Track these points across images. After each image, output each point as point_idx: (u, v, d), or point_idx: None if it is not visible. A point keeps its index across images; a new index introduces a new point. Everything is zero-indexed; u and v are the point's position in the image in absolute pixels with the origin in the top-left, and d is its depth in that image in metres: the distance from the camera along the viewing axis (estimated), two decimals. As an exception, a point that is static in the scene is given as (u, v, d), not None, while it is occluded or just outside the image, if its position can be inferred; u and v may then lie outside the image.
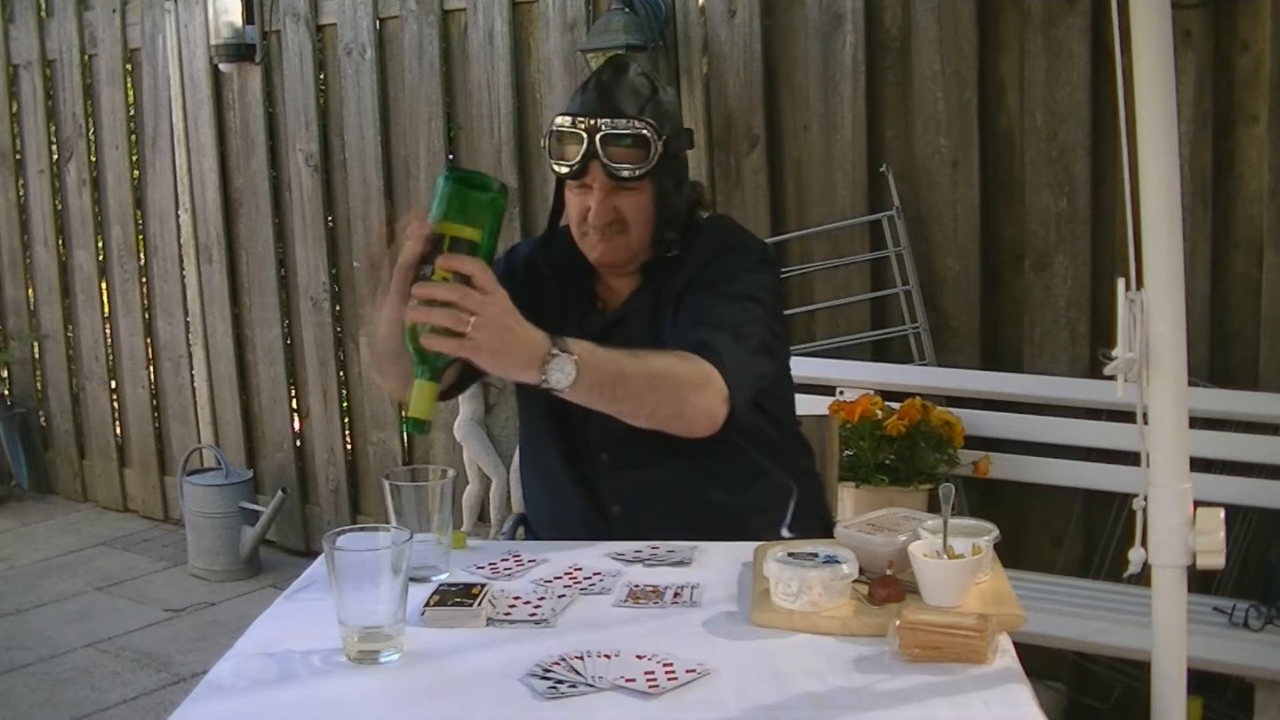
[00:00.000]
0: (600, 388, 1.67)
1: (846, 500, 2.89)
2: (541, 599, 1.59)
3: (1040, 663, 2.58)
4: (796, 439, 2.12)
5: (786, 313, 2.58)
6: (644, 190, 1.94)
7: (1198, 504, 1.62)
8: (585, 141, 1.90)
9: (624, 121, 1.91)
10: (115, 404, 5.21)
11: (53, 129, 5.17)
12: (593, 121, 1.91)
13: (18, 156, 5.33)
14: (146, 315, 5.00)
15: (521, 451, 2.18)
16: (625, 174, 1.91)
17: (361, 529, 1.51)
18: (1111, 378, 1.60)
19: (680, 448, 1.83)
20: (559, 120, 1.95)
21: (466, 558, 1.76)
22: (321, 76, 4.33)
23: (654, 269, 2.01)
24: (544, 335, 1.61)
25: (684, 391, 1.77)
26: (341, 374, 4.45)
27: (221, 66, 4.46)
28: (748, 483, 1.99)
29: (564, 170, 1.94)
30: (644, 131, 1.91)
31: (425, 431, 1.63)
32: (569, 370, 1.61)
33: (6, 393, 5.59)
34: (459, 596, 1.57)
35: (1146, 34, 1.53)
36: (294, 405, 4.63)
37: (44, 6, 5.12)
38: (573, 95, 2.01)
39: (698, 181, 2.17)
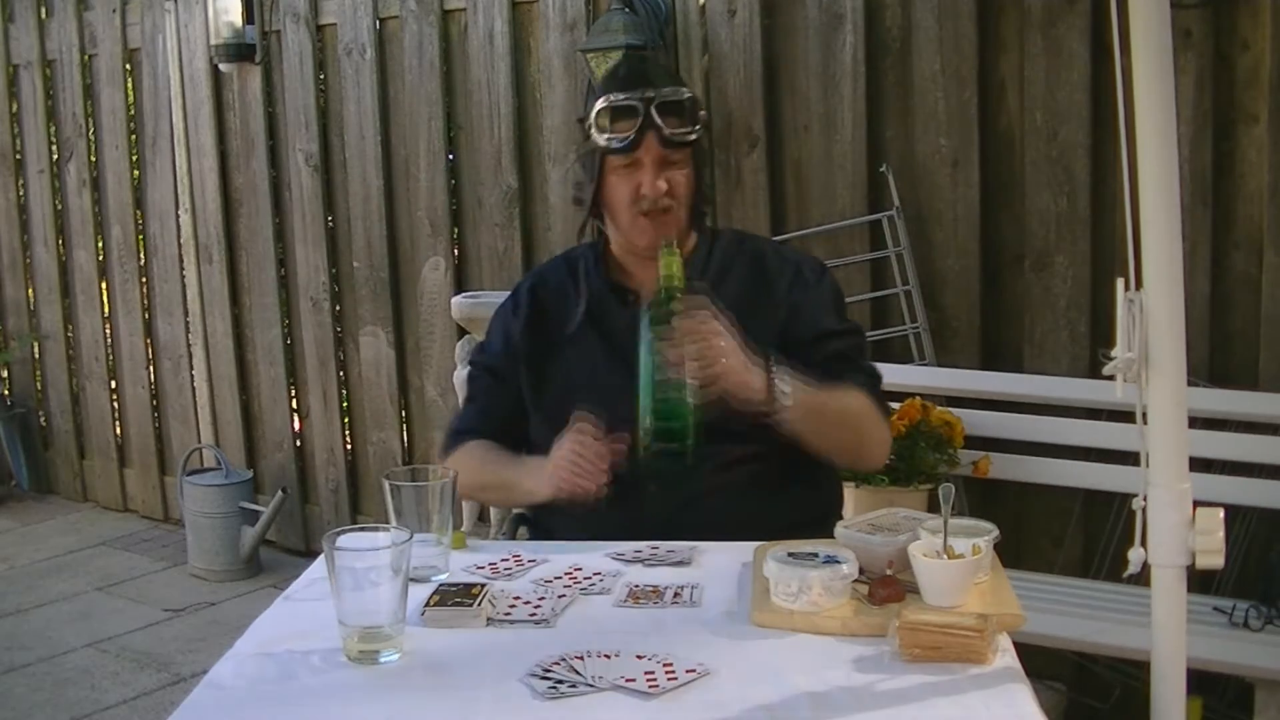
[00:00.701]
0: (806, 410, 1.87)
1: (846, 500, 2.88)
2: (541, 599, 1.59)
3: (1040, 663, 2.58)
4: None
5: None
6: (686, 164, 2.01)
7: (1197, 504, 1.62)
8: (641, 112, 1.96)
9: (671, 90, 1.98)
10: (115, 404, 5.21)
11: (53, 129, 5.17)
12: (645, 92, 1.97)
13: (18, 156, 5.33)
14: (146, 315, 5.00)
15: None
16: (679, 140, 1.97)
17: (361, 529, 1.51)
18: (1111, 377, 1.60)
19: (735, 436, 1.92)
20: (604, 101, 1.99)
21: (466, 558, 1.76)
22: (321, 76, 4.33)
23: (696, 255, 2.09)
24: (759, 358, 1.84)
25: (866, 428, 2.00)
26: (341, 374, 4.45)
27: (221, 66, 4.46)
28: (790, 480, 2.02)
29: (619, 144, 1.97)
30: (693, 97, 2.01)
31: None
32: (788, 386, 1.85)
33: (6, 393, 5.60)
34: (459, 596, 1.57)
35: (1146, 34, 1.53)
36: (294, 405, 4.63)
37: (44, 6, 5.12)
38: (599, 86, 2.07)
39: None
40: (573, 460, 1.86)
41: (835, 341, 2.05)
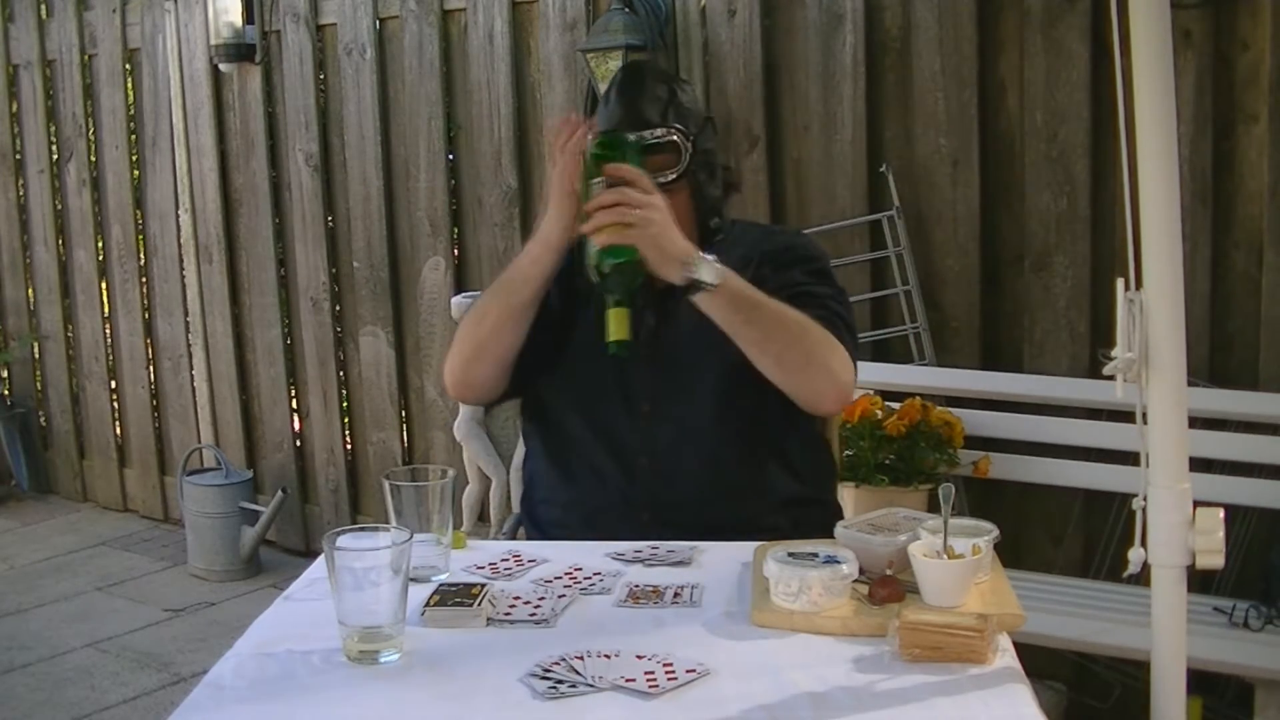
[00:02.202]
0: (738, 302, 1.82)
1: (846, 500, 2.89)
2: (541, 599, 1.59)
3: (1040, 663, 2.59)
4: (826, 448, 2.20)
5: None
6: (681, 190, 1.99)
7: (1197, 504, 1.62)
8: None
9: (655, 131, 1.97)
10: (115, 404, 5.21)
11: (53, 129, 5.17)
12: (636, 136, 1.94)
13: (18, 156, 5.33)
14: (146, 315, 5.00)
15: (533, 426, 2.14)
16: (662, 180, 1.93)
17: (361, 529, 1.51)
18: (1111, 377, 1.60)
19: (723, 410, 1.96)
20: (606, 128, 1.97)
21: (467, 557, 1.76)
22: (321, 76, 4.33)
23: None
24: (686, 240, 1.80)
25: (814, 346, 1.88)
26: (341, 374, 4.45)
27: (221, 66, 4.46)
28: (773, 451, 2.02)
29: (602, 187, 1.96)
30: (673, 138, 1.98)
31: (627, 353, 1.78)
32: (717, 270, 1.79)
33: (6, 393, 5.60)
34: (459, 596, 1.57)
35: (1146, 34, 1.53)
36: (294, 405, 4.63)
37: (44, 6, 5.12)
38: (598, 105, 2.07)
39: (727, 165, 2.19)
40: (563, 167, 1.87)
41: (796, 284, 2.00)
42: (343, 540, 1.44)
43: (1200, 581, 2.72)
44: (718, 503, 1.95)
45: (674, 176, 1.97)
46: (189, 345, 4.85)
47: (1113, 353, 1.59)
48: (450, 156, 4.06)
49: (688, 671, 1.36)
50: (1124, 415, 2.61)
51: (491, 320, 1.98)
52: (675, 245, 1.78)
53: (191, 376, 4.87)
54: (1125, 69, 1.55)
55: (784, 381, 1.89)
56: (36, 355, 5.50)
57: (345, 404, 4.47)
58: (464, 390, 2.10)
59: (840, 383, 1.91)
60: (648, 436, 1.98)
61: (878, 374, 3.11)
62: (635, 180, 1.79)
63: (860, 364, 3.11)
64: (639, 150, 1.88)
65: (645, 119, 1.97)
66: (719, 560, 1.74)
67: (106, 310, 5.18)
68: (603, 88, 3.39)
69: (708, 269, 1.78)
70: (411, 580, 1.46)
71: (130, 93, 4.89)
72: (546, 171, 3.90)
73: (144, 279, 4.99)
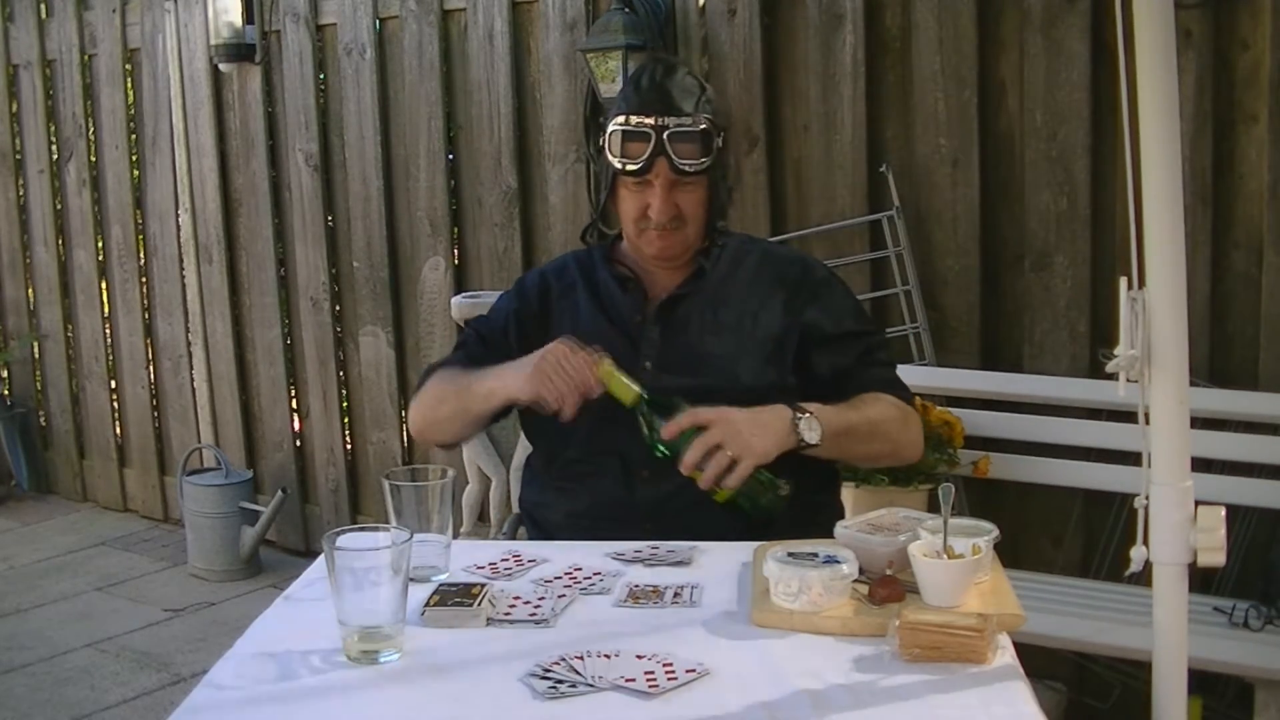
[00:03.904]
0: (836, 438, 1.90)
1: (846, 500, 2.88)
2: (541, 599, 1.59)
3: (1040, 663, 2.58)
4: None
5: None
6: (701, 186, 2.02)
7: (1198, 503, 1.62)
8: (653, 139, 1.97)
9: (689, 119, 1.98)
10: (115, 404, 5.21)
11: (53, 129, 5.17)
12: (660, 119, 1.97)
13: (18, 156, 5.33)
14: (146, 315, 5.00)
15: (533, 435, 2.17)
16: (691, 169, 1.98)
17: (361, 529, 1.51)
18: (1112, 376, 1.60)
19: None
20: (623, 119, 2.00)
21: (466, 557, 1.76)
22: (321, 76, 4.33)
23: (709, 258, 2.11)
24: (780, 406, 1.88)
25: (895, 433, 2.02)
26: (341, 374, 4.45)
27: (221, 66, 4.46)
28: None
29: (631, 168, 1.99)
30: (708, 128, 2.00)
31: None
32: (816, 425, 1.87)
33: (6, 393, 5.60)
34: (459, 596, 1.57)
35: (1149, 32, 1.53)
36: (294, 405, 4.63)
37: (44, 6, 5.12)
38: (623, 93, 2.07)
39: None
40: (558, 363, 1.89)
41: (855, 342, 2.08)
42: (343, 540, 1.44)
43: (1200, 581, 2.72)
44: (721, 512, 1.92)
45: (705, 166, 1.99)
46: (189, 345, 4.85)
47: (1115, 351, 1.59)
48: (450, 156, 4.06)
49: (687, 671, 1.36)
50: (1124, 415, 2.61)
51: (448, 410, 2.10)
52: (772, 433, 1.85)
53: (191, 376, 4.87)
54: (1128, 67, 1.55)
55: (874, 465, 2.19)
56: (36, 355, 5.50)
57: (345, 404, 4.47)
58: (425, 440, 2.27)
59: (917, 445, 2.08)
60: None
61: (878, 374, 3.11)
62: (697, 422, 1.82)
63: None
64: (679, 408, 1.87)
65: (681, 106, 1.98)
66: (719, 560, 1.74)
67: (106, 310, 5.18)
68: (603, 88, 3.39)
69: (809, 429, 1.87)
70: (411, 580, 1.46)
71: (130, 93, 4.89)
72: (546, 172, 3.91)
73: (144, 279, 4.99)
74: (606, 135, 2.02)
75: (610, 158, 2.02)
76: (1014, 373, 3.07)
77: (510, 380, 1.95)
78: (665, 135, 1.97)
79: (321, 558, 1.52)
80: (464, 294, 3.82)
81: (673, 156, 1.97)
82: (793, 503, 1.98)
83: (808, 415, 1.87)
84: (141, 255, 4.98)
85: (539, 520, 2.11)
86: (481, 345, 2.18)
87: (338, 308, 4.42)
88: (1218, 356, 2.85)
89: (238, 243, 4.64)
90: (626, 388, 1.87)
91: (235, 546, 4.36)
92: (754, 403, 1.94)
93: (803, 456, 1.94)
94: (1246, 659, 2.49)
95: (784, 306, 2.07)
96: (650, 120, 1.97)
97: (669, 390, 1.93)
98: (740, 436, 1.81)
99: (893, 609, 1.47)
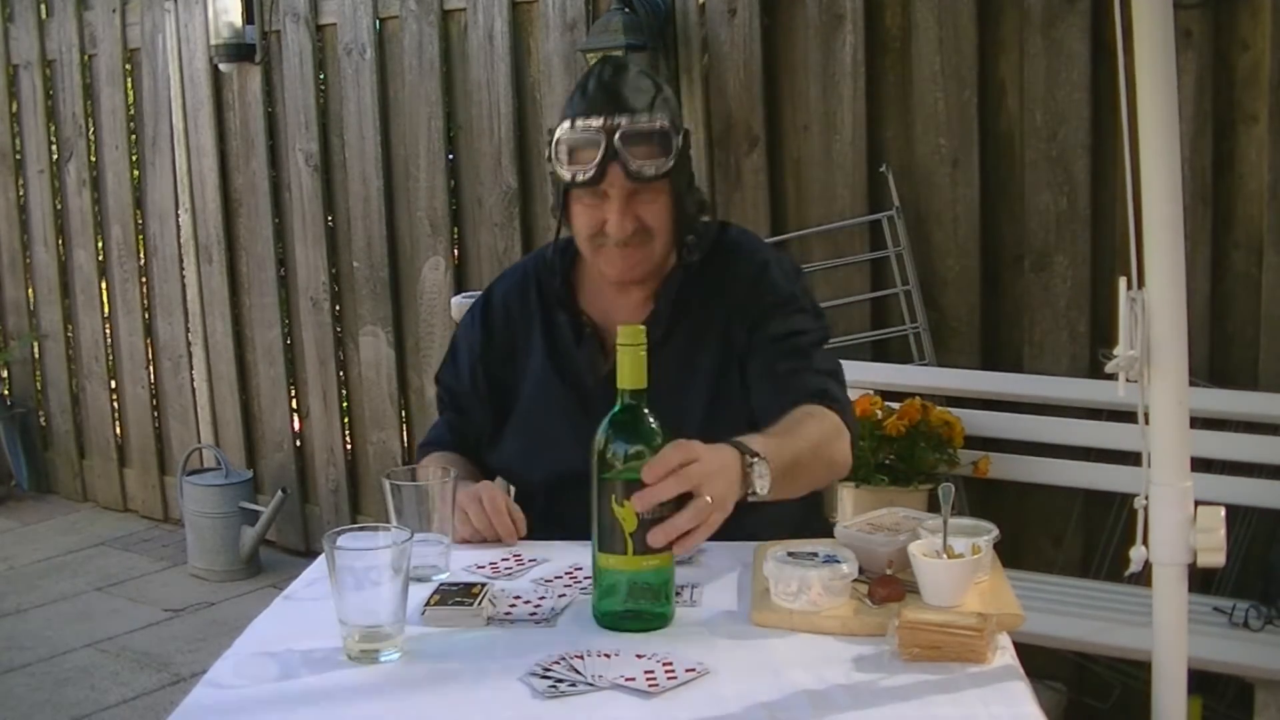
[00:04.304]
0: (784, 479, 1.61)
1: (846, 500, 2.89)
2: (541, 599, 1.59)
3: (1040, 663, 2.58)
4: None
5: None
6: (663, 192, 1.83)
7: (1198, 503, 1.62)
8: (603, 143, 1.77)
9: (643, 117, 1.78)
10: (115, 404, 5.21)
11: (52, 129, 5.17)
12: (610, 120, 1.77)
13: (18, 156, 5.33)
14: (146, 315, 5.00)
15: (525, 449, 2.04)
16: (649, 173, 1.78)
17: (362, 528, 1.51)
18: (1112, 377, 1.60)
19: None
20: (568, 125, 1.81)
21: (466, 557, 1.76)
22: (321, 76, 4.33)
23: (669, 287, 1.92)
24: (727, 448, 1.54)
25: (830, 452, 1.78)
26: (341, 374, 4.45)
27: (221, 66, 4.46)
28: None
29: (582, 177, 1.79)
30: (664, 127, 1.80)
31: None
32: (764, 471, 1.57)
33: (6, 393, 5.59)
34: (459, 596, 1.56)
35: (1148, 32, 1.53)
36: (294, 405, 4.63)
37: (44, 6, 5.12)
38: (569, 100, 1.86)
39: (696, 186, 2.05)
40: (476, 513, 1.78)
41: (785, 343, 1.88)
42: (343, 540, 1.44)
43: (1200, 581, 2.72)
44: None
45: (661, 172, 1.79)
46: (189, 345, 4.85)
47: (1114, 351, 1.59)
48: (450, 156, 4.06)
49: (687, 670, 1.36)
50: (1124, 415, 2.61)
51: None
52: (734, 478, 1.53)
53: (191, 376, 4.87)
54: (1128, 67, 1.55)
55: (815, 488, 1.86)
56: (36, 355, 5.50)
57: (345, 404, 4.47)
58: None
59: (847, 462, 1.84)
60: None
61: (877, 374, 3.12)
62: (664, 467, 1.45)
63: (860, 364, 3.17)
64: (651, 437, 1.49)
65: (632, 105, 1.78)
66: (719, 560, 1.74)
67: (106, 310, 5.18)
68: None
69: (760, 477, 1.56)
70: (412, 580, 1.46)
71: (130, 93, 4.89)
72: (546, 172, 3.92)
73: (144, 279, 4.99)
74: (552, 146, 1.82)
75: (558, 169, 1.82)
76: (1014, 373, 3.07)
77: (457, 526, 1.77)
78: (616, 137, 1.76)
79: (322, 557, 1.52)
80: (464, 294, 3.83)
81: (627, 161, 1.76)
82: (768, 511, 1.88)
83: (757, 459, 1.56)
84: (141, 255, 4.98)
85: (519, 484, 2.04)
86: (458, 413, 2.08)
87: (338, 308, 4.42)
88: (1217, 356, 2.85)
89: (238, 243, 4.64)
90: (636, 372, 1.50)
91: (235, 546, 4.36)
92: (717, 424, 1.72)
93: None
94: (1246, 659, 2.49)
95: (735, 314, 1.90)
96: (597, 122, 1.77)
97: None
98: (715, 482, 1.48)
99: (892, 609, 1.46)
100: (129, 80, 4.89)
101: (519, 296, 2.04)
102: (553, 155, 1.84)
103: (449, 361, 2.13)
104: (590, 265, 1.94)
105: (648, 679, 1.34)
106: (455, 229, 4.08)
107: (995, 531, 1.60)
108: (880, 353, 3.22)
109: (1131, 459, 2.67)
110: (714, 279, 1.93)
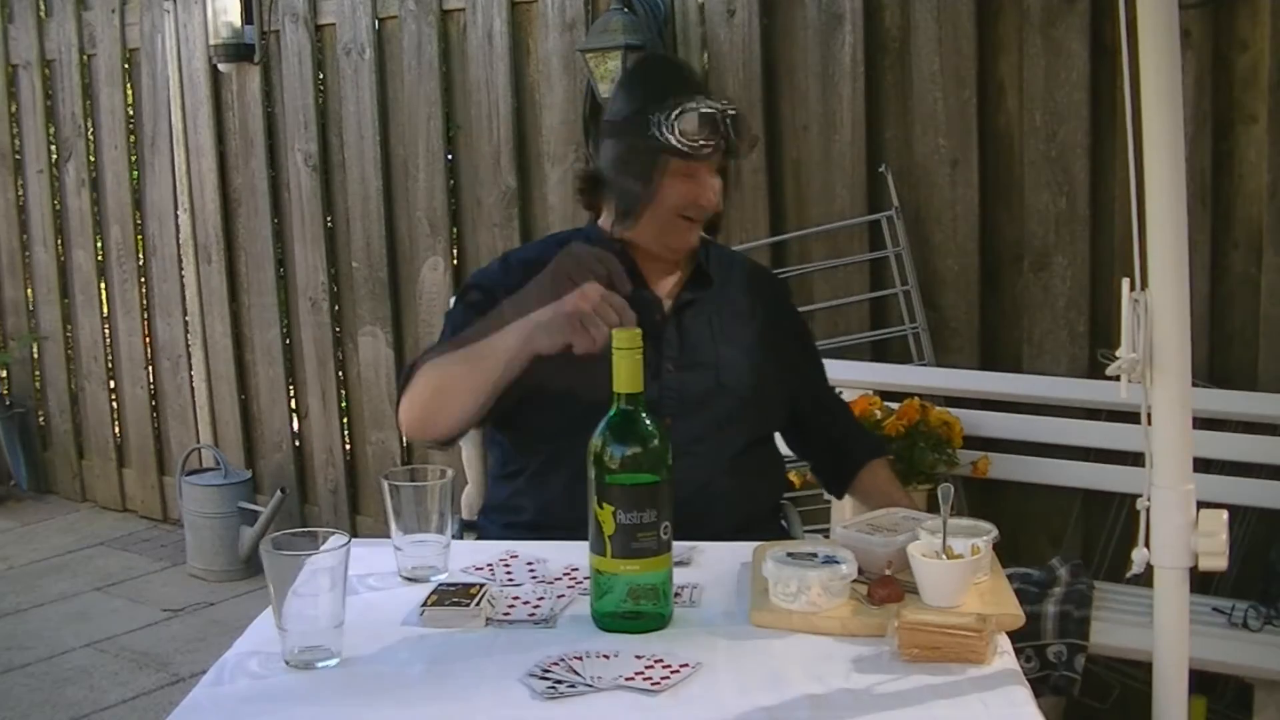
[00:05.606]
0: None
1: (846, 500, 2.88)
2: (541, 599, 1.59)
3: (1040, 663, 2.58)
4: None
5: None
6: (719, 177, 2.01)
7: (1199, 505, 1.61)
8: (719, 123, 1.92)
9: (733, 106, 1.97)
10: (114, 404, 5.21)
11: (52, 129, 5.17)
12: (722, 104, 1.94)
13: (17, 156, 5.33)
14: (145, 315, 5.00)
15: (510, 440, 2.06)
16: (742, 154, 2.00)
17: (304, 532, 1.47)
18: (1114, 378, 1.59)
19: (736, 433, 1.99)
20: (691, 101, 1.92)
21: (466, 558, 1.76)
22: (320, 76, 4.33)
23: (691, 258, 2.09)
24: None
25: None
26: (340, 374, 4.45)
27: (220, 66, 4.46)
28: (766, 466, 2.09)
29: (704, 150, 1.93)
30: (737, 112, 1.97)
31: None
32: None
33: (6, 393, 5.59)
34: (458, 596, 1.56)
35: (1152, 32, 1.53)
36: (293, 405, 4.62)
37: (43, 6, 5.12)
38: (644, 84, 2.01)
39: None
40: (598, 303, 1.70)
41: (838, 414, 2.24)
42: (282, 545, 1.43)
43: (1200, 582, 2.71)
44: (718, 512, 1.92)
45: (744, 155, 2.02)
46: (188, 345, 4.85)
47: (1117, 353, 1.58)
48: (449, 156, 4.06)
49: (683, 665, 1.36)
50: (1123, 415, 2.61)
51: (455, 389, 1.86)
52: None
53: (190, 377, 4.86)
54: (1131, 67, 1.55)
55: None
56: (35, 355, 5.49)
57: (344, 404, 4.47)
58: (424, 433, 1.97)
59: None
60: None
61: (877, 374, 3.12)
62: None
63: (859, 364, 3.17)
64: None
65: (705, 89, 1.99)
66: (719, 560, 1.74)
67: (105, 310, 5.18)
68: (602, 88, 3.39)
69: None
70: (411, 580, 1.46)
71: (129, 93, 4.88)
72: (546, 172, 3.90)
73: (143, 279, 4.98)
74: (669, 117, 1.90)
75: (670, 137, 1.91)
76: (1013, 373, 3.07)
77: (537, 335, 1.74)
78: (728, 119, 1.93)
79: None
80: (463, 294, 3.82)
81: (733, 141, 1.95)
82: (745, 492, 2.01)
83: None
84: (140, 255, 4.98)
85: (510, 523, 2.01)
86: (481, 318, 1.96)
87: (337, 308, 4.42)
88: (1217, 357, 2.85)
89: (237, 243, 4.64)
90: (633, 376, 1.49)
91: (234, 547, 4.36)
92: (763, 404, 1.99)
93: (760, 464, 2.01)
94: (1246, 659, 2.48)
95: (775, 321, 2.13)
96: (716, 104, 1.93)
97: (691, 390, 1.95)
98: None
99: (892, 609, 1.46)
100: (128, 80, 4.88)
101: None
102: (664, 126, 1.91)
103: (473, 286, 2.07)
104: (650, 240, 2.01)
105: (648, 679, 1.34)
106: (454, 229, 4.08)
107: (994, 532, 1.60)
108: (879, 353, 3.22)
109: (1131, 459, 2.68)
110: (734, 265, 2.17)
